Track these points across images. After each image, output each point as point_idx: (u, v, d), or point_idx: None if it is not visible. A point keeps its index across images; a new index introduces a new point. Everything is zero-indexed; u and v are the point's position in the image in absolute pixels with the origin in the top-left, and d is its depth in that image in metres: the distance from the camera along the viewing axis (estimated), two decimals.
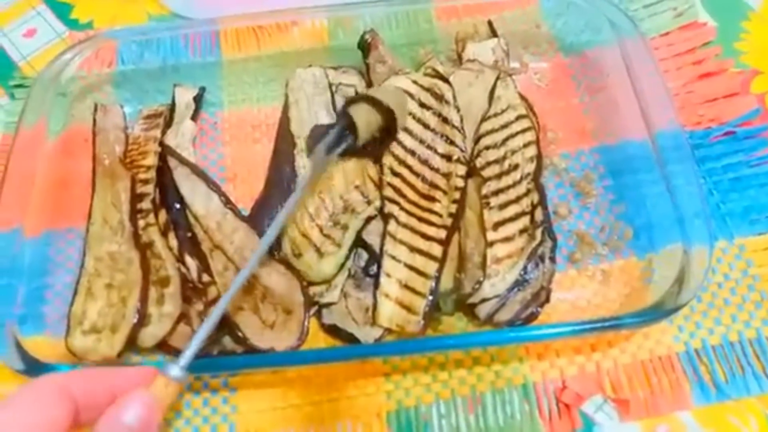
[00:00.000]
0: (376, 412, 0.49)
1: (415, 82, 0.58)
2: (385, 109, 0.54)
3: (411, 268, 0.50)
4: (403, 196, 0.54)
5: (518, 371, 0.50)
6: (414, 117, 0.57)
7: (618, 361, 0.49)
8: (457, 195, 0.53)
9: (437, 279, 0.50)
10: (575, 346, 0.50)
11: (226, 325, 0.51)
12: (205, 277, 0.53)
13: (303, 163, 0.58)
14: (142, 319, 0.50)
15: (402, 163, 0.55)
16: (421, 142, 0.56)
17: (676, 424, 0.47)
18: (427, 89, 0.58)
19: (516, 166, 0.55)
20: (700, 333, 0.50)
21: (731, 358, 0.49)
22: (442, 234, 0.51)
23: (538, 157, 0.56)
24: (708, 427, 0.47)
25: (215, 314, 0.43)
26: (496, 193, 0.54)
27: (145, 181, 0.57)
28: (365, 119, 0.53)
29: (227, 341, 0.51)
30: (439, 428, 0.48)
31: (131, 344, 0.50)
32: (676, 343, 0.50)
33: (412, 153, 0.55)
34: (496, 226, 0.52)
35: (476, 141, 0.56)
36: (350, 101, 0.54)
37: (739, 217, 0.55)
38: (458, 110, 0.57)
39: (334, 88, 0.62)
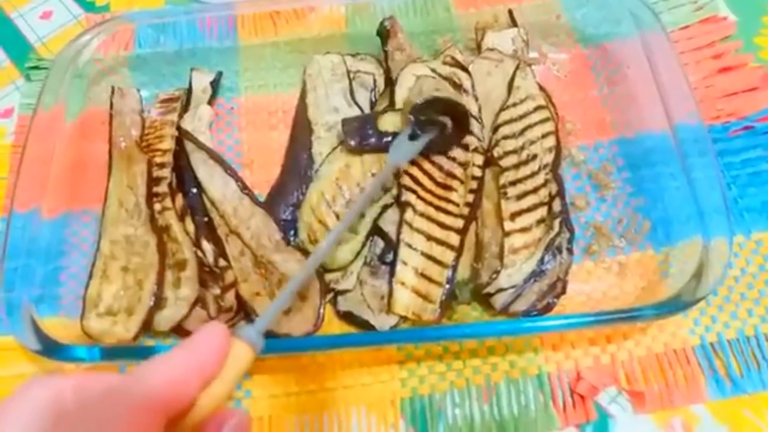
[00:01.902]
0: (390, 400, 0.49)
1: (433, 70, 0.58)
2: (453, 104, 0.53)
3: (427, 256, 0.50)
4: (420, 184, 0.54)
5: (533, 361, 0.50)
6: None
7: (633, 354, 0.49)
8: (474, 185, 0.53)
9: (454, 268, 0.50)
10: (590, 338, 0.50)
11: (242, 309, 0.51)
12: (222, 262, 0.53)
13: (320, 150, 0.58)
14: (159, 302, 0.50)
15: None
16: None
17: (690, 417, 0.47)
18: (446, 78, 0.58)
19: (534, 157, 0.55)
20: (716, 327, 0.50)
21: (747, 353, 0.49)
22: (459, 223, 0.51)
23: (557, 148, 0.55)
24: (723, 421, 0.47)
25: (298, 279, 0.41)
26: (514, 183, 0.54)
27: (162, 165, 0.57)
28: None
29: (243, 324, 0.51)
30: (453, 417, 0.48)
31: (147, 327, 0.50)
32: (691, 337, 0.50)
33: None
34: (514, 216, 0.52)
35: (494, 131, 0.56)
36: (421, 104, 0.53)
37: (757, 212, 0.55)
38: (477, 99, 0.57)
39: (351, 75, 0.62)
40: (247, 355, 0.34)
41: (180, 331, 0.51)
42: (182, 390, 0.30)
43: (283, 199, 0.56)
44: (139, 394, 0.29)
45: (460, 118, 0.54)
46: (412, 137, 0.53)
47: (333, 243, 0.46)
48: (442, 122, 0.53)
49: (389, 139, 0.55)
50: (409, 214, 0.52)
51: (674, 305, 0.45)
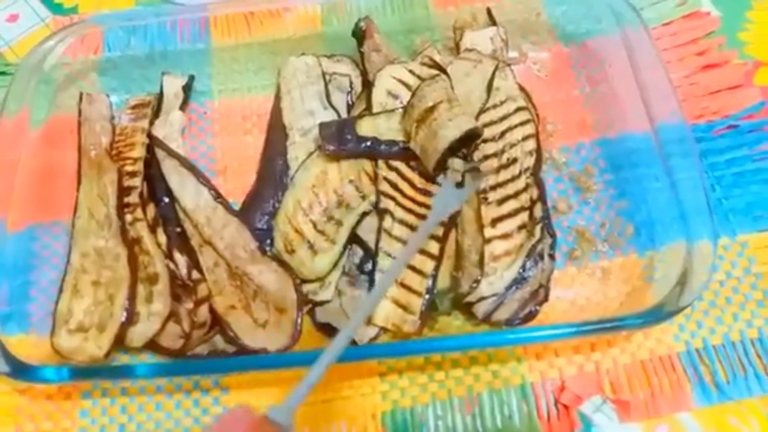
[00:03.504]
0: (371, 413, 0.48)
1: (411, 71, 0.57)
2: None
3: (407, 265, 0.49)
4: (399, 191, 0.52)
5: (516, 371, 0.49)
6: None
7: (618, 361, 0.49)
8: None
9: (434, 277, 0.48)
10: (574, 346, 0.49)
11: (217, 324, 0.50)
12: (195, 274, 0.51)
13: (295, 155, 0.56)
14: (131, 317, 0.49)
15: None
16: None
17: (676, 425, 0.46)
18: (424, 79, 0.56)
19: (515, 160, 0.54)
20: (702, 332, 0.49)
21: (733, 359, 0.48)
22: (438, 231, 0.50)
23: (538, 150, 0.54)
24: (709, 429, 0.46)
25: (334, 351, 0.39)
26: (494, 188, 0.52)
27: (133, 174, 0.55)
28: None
29: (218, 341, 0.50)
30: (435, 429, 0.47)
31: (119, 344, 0.49)
32: (676, 343, 0.49)
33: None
34: (494, 222, 0.51)
35: None
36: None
37: (742, 213, 0.54)
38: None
39: (327, 78, 0.60)
40: None
41: (153, 346, 0.49)
42: None
43: (259, 207, 0.55)
44: None
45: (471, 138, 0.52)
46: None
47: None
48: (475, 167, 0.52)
49: (368, 144, 0.53)
50: (387, 222, 0.51)
51: (659, 314, 0.44)
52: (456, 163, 0.51)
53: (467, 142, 0.52)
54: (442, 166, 0.52)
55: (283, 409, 0.34)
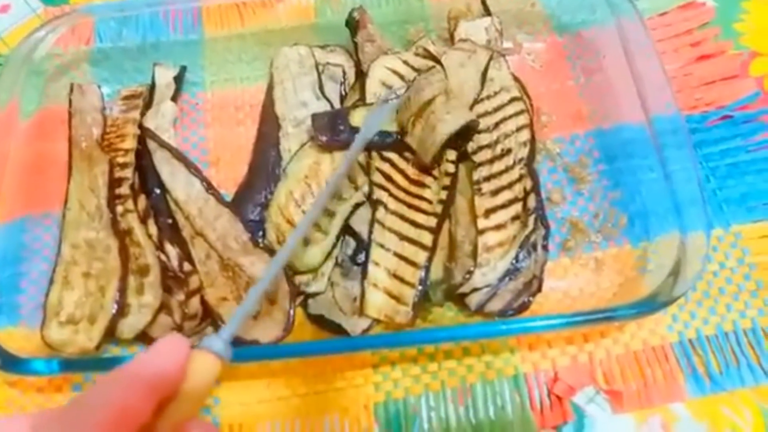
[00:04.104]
0: (363, 404, 0.48)
1: (405, 62, 0.56)
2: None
3: (400, 256, 0.49)
4: (392, 181, 0.52)
5: (509, 362, 0.49)
6: None
7: (611, 352, 0.48)
8: (447, 181, 0.51)
9: (427, 268, 0.48)
10: (567, 337, 0.49)
11: (209, 315, 0.50)
12: (187, 266, 0.51)
13: (288, 147, 0.56)
14: (121, 309, 0.49)
15: None
16: None
17: (669, 416, 0.46)
18: (418, 70, 0.56)
19: (509, 151, 0.53)
20: (695, 323, 0.49)
21: (726, 349, 0.48)
22: (432, 222, 0.50)
23: (532, 141, 0.54)
24: (701, 420, 0.46)
25: (263, 281, 0.39)
26: (488, 178, 0.52)
27: (124, 165, 0.55)
28: None
29: (210, 332, 0.49)
30: (428, 420, 0.47)
31: (110, 336, 0.48)
32: (669, 333, 0.49)
33: None
34: (488, 213, 0.51)
35: None
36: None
37: (736, 203, 0.53)
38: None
39: (320, 68, 0.60)
40: (213, 366, 0.33)
41: (145, 338, 0.49)
42: (132, 414, 0.29)
43: (251, 198, 0.54)
44: (86, 427, 0.28)
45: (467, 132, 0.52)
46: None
47: (299, 240, 0.44)
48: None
49: None
50: (380, 213, 0.51)
51: (652, 304, 0.44)
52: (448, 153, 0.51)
53: (465, 134, 0.52)
54: (438, 159, 0.52)
55: (218, 338, 0.33)
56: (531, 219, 0.51)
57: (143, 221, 0.52)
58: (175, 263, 0.51)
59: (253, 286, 0.39)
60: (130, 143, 0.56)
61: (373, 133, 0.51)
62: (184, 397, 0.31)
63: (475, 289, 0.49)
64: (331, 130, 0.53)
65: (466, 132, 0.52)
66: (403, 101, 0.53)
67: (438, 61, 0.56)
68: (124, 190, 0.54)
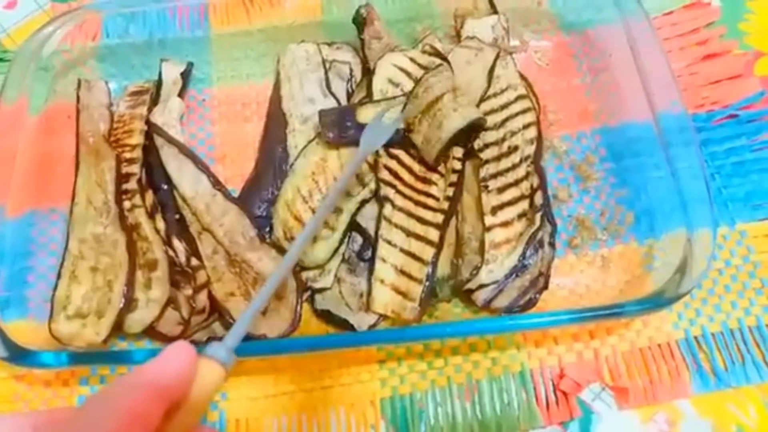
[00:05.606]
0: (370, 400, 0.48)
1: (412, 59, 0.57)
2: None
3: (407, 253, 0.49)
4: (399, 178, 0.52)
5: (515, 358, 0.49)
6: None
7: (617, 349, 0.49)
8: (454, 178, 0.52)
9: (434, 264, 0.48)
10: (573, 333, 0.49)
11: (216, 310, 0.50)
12: (194, 261, 0.51)
13: (295, 143, 0.56)
14: (129, 303, 0.49)
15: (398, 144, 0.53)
16: None
17: (674, 412, 0.47)
18: (424, 67, 0.56)
19: (515, 148, 0.53)
20: (700, 320, 0.49)
21: (731, 346, 0.48)
22: (438, 218, 0.50)
23: (538, 138, 0.54)
24: (706, 416, 0.46)
25: (270, 284, 0.39)
26: (495, 176, 0.52)
27: (131, 161, 0.55)
28: None
29: (217, 327, 0.50)
30: (435, 416, 0.47)
31: (117, 330, 0.49)
32: (675, 331, 0.49)
33: None
34: (495, 210, 0.51)
35: None
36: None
37: (741, 202, 0.54)
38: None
39: (327, 65, 0.60)
40: (217, 375, 0.33)
41: (152, 333, 0.49)
42: (143, 420, 0.29)
43: (258, 194, 0.55)
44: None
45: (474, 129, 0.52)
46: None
47: (307, 242, 0.44)
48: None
49: None
50: (387, 210, 0.51)
51: (658, 301, 0.44)
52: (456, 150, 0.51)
53: (470, 132, 0.52)
54: (443, 156, 0.52)
55: (222, 346, 0.33)
56: (538, 216, 0.51)
57: (151, 216, 0.53)
58: (182, 258, 0.51)
59: (259, 288, 0.39)
60: (138, 139, 0.56)
61: (374, 149, 0.51)
62: (187, 406, 0.31)
63: (482, 286, 0.49)
64: (338, 126, 0.54)
65: (473, 129, 0.52)
66: (410, 100, 0.53)
67: (445, 59, 0.56)
68: (132, 185, 0.54)
